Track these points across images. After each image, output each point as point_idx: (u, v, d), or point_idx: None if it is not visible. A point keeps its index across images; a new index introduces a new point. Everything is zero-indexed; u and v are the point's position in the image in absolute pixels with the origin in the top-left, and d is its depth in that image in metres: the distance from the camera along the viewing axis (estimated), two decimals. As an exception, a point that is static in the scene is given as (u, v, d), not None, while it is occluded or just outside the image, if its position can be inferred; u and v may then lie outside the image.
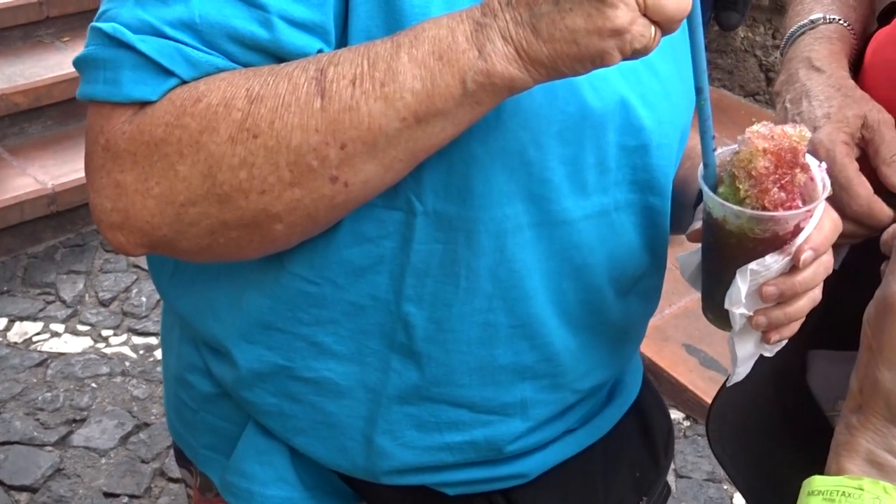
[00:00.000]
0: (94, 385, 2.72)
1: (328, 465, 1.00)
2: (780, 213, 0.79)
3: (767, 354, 0.91)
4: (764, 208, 0.79)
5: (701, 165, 0.83)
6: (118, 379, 2.75)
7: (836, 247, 1.06)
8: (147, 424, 2.60)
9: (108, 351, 2.85)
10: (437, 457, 0.98)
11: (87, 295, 3.07)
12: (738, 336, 0.90)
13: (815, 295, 0.87)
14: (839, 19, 1.14)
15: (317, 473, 1.03)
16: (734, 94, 4.21)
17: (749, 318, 0.86)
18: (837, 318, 1.11)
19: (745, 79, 4.18)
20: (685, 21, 0.76)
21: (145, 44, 0.75)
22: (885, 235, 0.94)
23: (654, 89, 0.92)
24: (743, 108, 4.07)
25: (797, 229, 0.82)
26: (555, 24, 0.70)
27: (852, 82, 1.06)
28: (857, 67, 1.12)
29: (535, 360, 0.94)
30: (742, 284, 0.83)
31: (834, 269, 0.91)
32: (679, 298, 2.77)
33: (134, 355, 2.84)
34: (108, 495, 2.39)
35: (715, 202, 0.82)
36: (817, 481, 0.74)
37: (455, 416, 0.95)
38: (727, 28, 3.98)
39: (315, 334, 0.91)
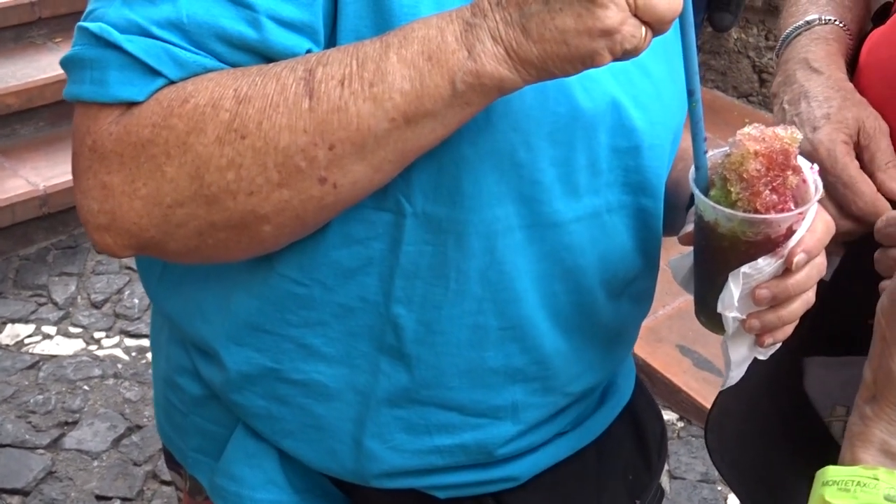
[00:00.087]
0: (86, 387, 2.71)
1: (317, 468, 1.00)
2: (772, 215, 0.79)
3: (761, 357, 0.91)
4: (756, 211, 0.79)
5: (692, 168, 0.83)
6: (110, 381, 2.74)
7: (828, 252, 1.06)
8: (139, 427, 2.59)
9: (100, 353, 2.84)
10: (427, 460, 0.97)
11: (79, 297, 3.06)
12: (732, 340, 0.89)
13: (809, 297, 0.87)
14: (835, 20, 1.13)
15: (306, 476, 1.02)
16: (727, 96, 4.21)
17: (742, 322, 0.86)
18: (832, 324, 1.11)
19: (739, 80, 4.18)
20: (677, 22, 0.76)
21: (132, 44, 0.74)
22: (879, 223, 0.93)
23: (646, 90, 0.91)
24: (736, 110, 4.08)
25: (790, 232, 0.81)
26: (545, 24, 0.69)
27: (851, 85, 1.06)
28: (852, 68, 1.12)
29: (525, 363, 0.94)
30: (735, 288, 0.83)
31: (824, 280, 0.91)
32: (673, 299, 2.77)
33: (126, 357, 2.83)
34: (100, 498, 2.38)
35: (706, 205, 0.81)
36: (831, 471, 0.74)
37: (445, 418, 0.95)
38: (720, 29, 3.99)
39: (304, 336, 0.91)
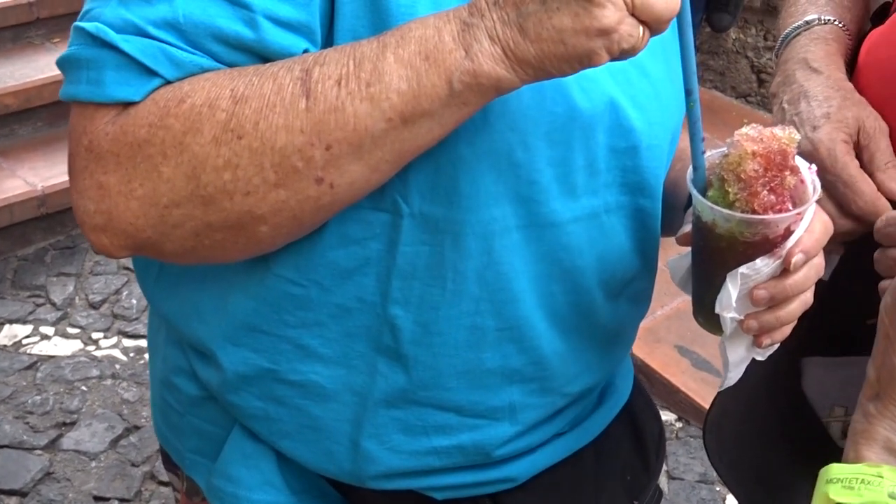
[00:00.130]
0: (84, 388, 2.71)
1: (314, 469, 0.99)
2: (770, 216, 0.79)
3: (759, 358, 0.91)
4: (754, 211, 0.79)
5: (690, 168, 0.83)
6: (108, 382, 2.73)
7: (825, 251, 1.06)
8: (137, 427, 2.58)
9: (98, 354, 2.84)
10: (425, 461, 0.97)
11: (77, 297, 3.05)
12: (730, 340, 0.89)
13: (807, 298, 0.87)
14: (834, 20, 1.13)
15: (304, 477, 1.02)
16: (726, 96, 4.21)
17: (740, 323, 0.86)
18: (832, 324, 1.11)
19: (737, 80, 4.18)
20: (675, 22, 0.75)
21: (129, 44, 0.74)
22: (879, 223, 0.93)
23: (644, 90, 0.91)
24: (735, 110, 4.08)
25: (787, 232, 0.81)
26: (542, 23, 0.69)
27: (850, 85, 1.06)
28: (851, 68, 1.12)
29: (523, 364, 0.94)
30: (732, 288, 0.83)
31: (823, 279, 0.90)
32: (671, 300, 2.77)
33: (124, 358, 2.82)
34: (98, 499, 2.38)
35: (704, 205, 0.81)
36: (835, 469, 0.74)
37: (442, 419, 0.95)
38: (719, 30, 3.99)
39: (301, 337, 0.90)
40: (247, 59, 0.76)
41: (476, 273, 0.87)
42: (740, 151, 0.78)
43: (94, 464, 2.47)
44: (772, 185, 0.78)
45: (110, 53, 0.75)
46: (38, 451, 2.49)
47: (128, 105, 0.76)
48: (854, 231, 1.02)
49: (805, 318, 0.89)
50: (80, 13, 0.79)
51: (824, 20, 1.14)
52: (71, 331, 2.92)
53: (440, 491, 1.01)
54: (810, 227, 0.82)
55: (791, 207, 0.80)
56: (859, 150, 1.01)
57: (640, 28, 0.71)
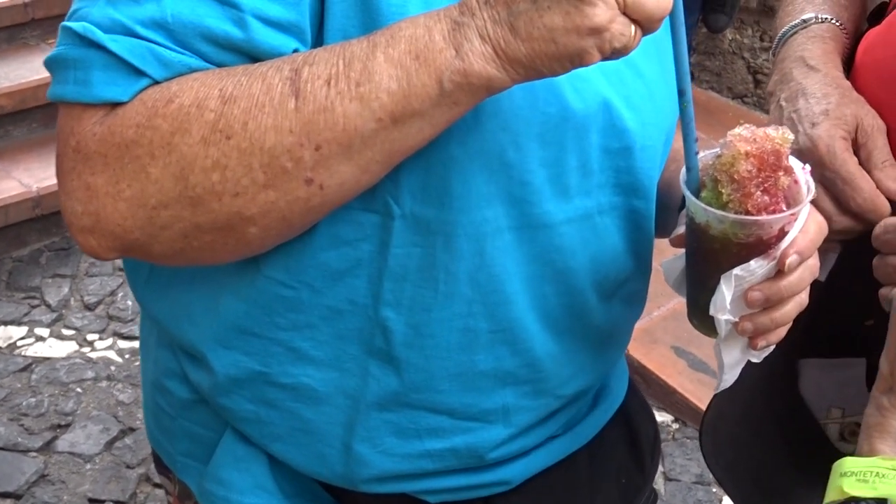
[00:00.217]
0: (79, 390, 2.70)
1: (306, 472, 0.99)
2: (764, 217, 0.78)
3: (755, 360, 0.90)
4: (747, 212, 0.78)
5: (683, 169, 0.82)
6: (103, 383, 2.73)
7: (822, 250, 1.05)
8: (132, 429, 2.57)
9: (93, 355, 2.83)
10: (418, 464, 0.96)
11: (72, 299, 3.04)
12: (725, 342, 0.88)
13: (802, 299, 0.86)
14: (831, 18, 1.13)
15: (296, 481, 1.01)
16: (722, 97, 4.21)
17: (735, 325, 0.85)
18: (830, 324, 1.11)
19: (733, 81, 4.18)
20: (668, 21, 0.75)
21: (116, 43, 0.73)
22: (878, 229, 0.93)
23: (637, 91, 0.90)
24: (731, 111, 4.08)
25: (782, 233, 0.80)
26: (533, 22, 0.69)
27: (848, 83, 1.06)
28: (848, 67, 1.11)
29: (516, 366, 0.93)
30: (727, 290, 0.82)
31: (820, 280, 0.90)
32: (667, 301, 2.76)
33: (119, 359, 2.82)
34: (93, 501, 2.37)
35: (697, 207, 0.80)
36: (849, 462, 0.73)
37: (435, 422, 0.94)
38: (715, 30, 3.99)
39: (292, 339, 0.90)
40: (236, 59, 0.76)
41: (468, 275, 0.86)
42: (733, 152, 0.78)
43: (88, 466, 2.46)
44: (765, 185, 0.78)
45: (98, 53, 0.74)
46: (33, 454, 2.48)
47: (116, 105, 0.75)
48: (852, 229, 1.02)
49: (802, 318, 0.89)
50: (68, 13, 0.78)
51: (821, 18, 1.14)
52: (66, 332, 2.91)
53: (433, 494, 1.00)
54: (805, 227, 0.81)
55: (785, 208, 0.79)
56: (857, 148, 1.01)
57: (632, 27, 0.70)
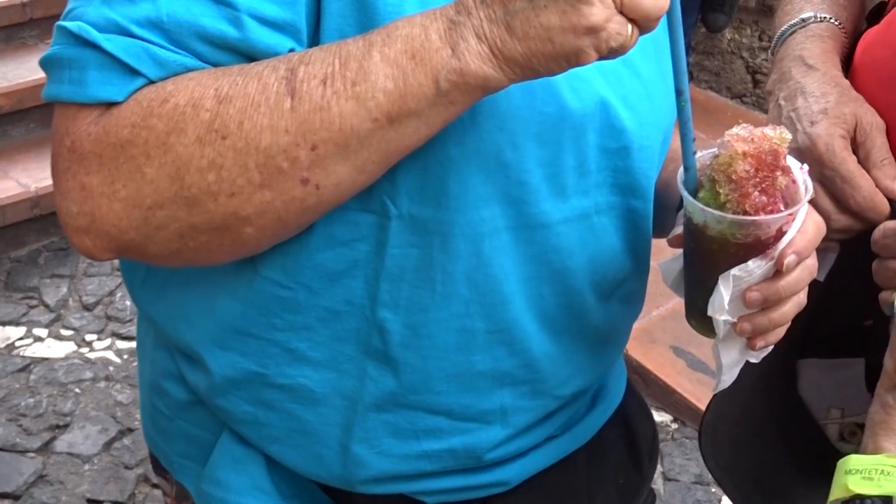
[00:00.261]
0: (77, 390, 2.69)
1: (304, 473, 0.98)
2: (762, 217, 0.78)
3: (753, 360, 0.90)
4: (745, 213, 0.78)
5: (681, 169, 0.82)
6: (102, 384, 2.72)
7: (821, 250, 1.05)
8: (131, 430, 2.57)
9: (91, 356, 2.82)
10: (416, 465, 0.96)
11: (70, 299, 3.04)
12: (723, 343, 0.88)
13: (800, 299, 0.86)
14: (830, 18, 1.13)
15: (294, 482, 1.01)
16: (721, 96, 4.21)
17: (733, 325, 0.85)
18: (826, 326, 1.11)
19: (732, 80, 4.18)
20: (666, 20, 0.75)
21: (111, 43, 0.73)
22: (876, 234, 0.93)
23: (635, 90, 0.90)
24: (730, 110, 4.07)
25: (780, 233, 0.80)
26: (529, 21, 0.68)
27: (846, 81, 1.06)
28: (846, 66, 1.11)
29: (514, 366, 0.93)
30: (725, 291, 0.82)
31: (819, 280, 0.90)
32: (666, 300, 2.76)
33: (118, 360, 2.81)
34: (91, 502, 2.37)
35: (695, 207, 0.80)
36: (854, 460, 0.73)
37: (433, 423, 0.94)
38: (714, 30, 3.99)
39: (289, 340, 0.89)
40: (232, 59, 0.75)
41: (465, 275, 0.86)
42: (731, 152, 0.77)
43: (87, 466, 2.46)
44: (763, 185, 0.77)
45: (93, 53, 0.74)
46: (31, 454, 2.48)
47: (111, 105, 0.75)
48: (851, 227, 1.01)
49: (801, 318, 0.88)
50: (63, 12, 0.78)
51: (820, 18, 1.13)
52: (64, 333, 2.91)
53: (431, 495, 1.00)
54: (803, 227, 0.81)
55: (783, 208, 0.79)
56: (856, 147, 1.01)
57: (629, 26, 0.70)
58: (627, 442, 1.14)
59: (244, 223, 0.75)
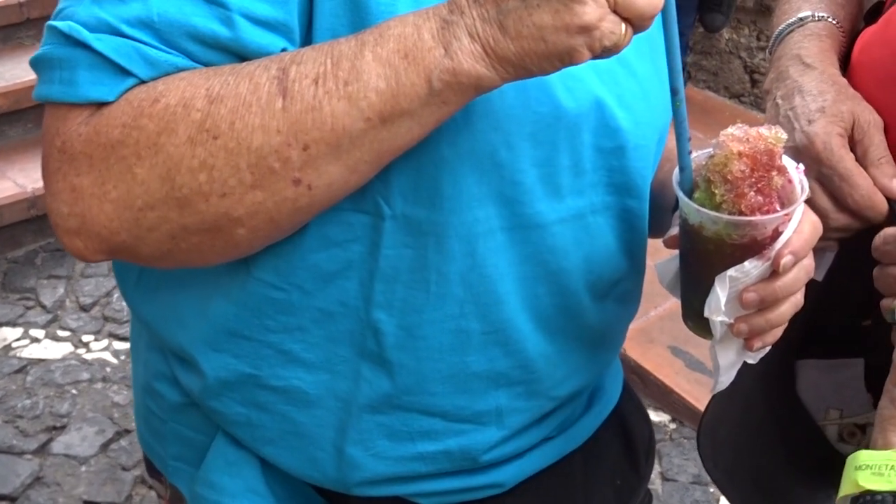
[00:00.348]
0: (74, 391, 2.69)
1: (298, 475, 0.98)
2: (758, 217, 0.77)
3: (751, 361, 0.89)
4: (741, 213, 0.77)
5: (676, 169, 0.81)
6: (99, 385, 2.72)
7: (820, 249, 1.05)
8: (128, 431, 2.56)
9: (88, 357, 2.82)
10: (411, 467, 0.95)
11: (67, 300, 3.03)
12: (720, 344, 0.87)
13: (797, 300, 0.85)
14: (828, 17, 1.13)
15: (288, 485, 1.01)
16: (719, 96, 4.21)
17: (730, 326, 0.84)
18: (824, 326, 1.10)
19: (730, 80, 4.17)
20: (660, 19, 0.74)
21: (101, 42, 0.72)
22: (877, 241, 0.92)
23: (631, 90, 0.90)
24: (728, 110, 4.07)
25: (776, 233, 0.79)
26: (522, 20, 0.68)
27: (844, 80, 1.05)
28: (844, 65, 1.11)
29: (509, 367, 0.92)
30: (721, 292, 0.81)
31: (817, 280, 0.89)
32: (664, 300, 2.75)
33: (115, 361, 2.81)
34: (88, 503, 2.36)
35: (691, 208, 0.79)
36: (864, 455, 0.73)
37: (428, 425, 0.93)
38: (712, 30, 3.98)
39: (283, 342, 0.89)
40: (223, 59, 0.75)
41: (460, 276, 0.85)
42: (726, 152, 0.77)
43: (84, 468, 2.45)
44: (759, 185, 0.77)
45: (83, 53, 0.73)
46: (28, 456, 2.47)
47: (101, 105, 0.74)
48: (850, 226, 1.01)
49: (799, 319, 0.88)
50: (54, 12, 0.77)
51: (818, 17, 1.13)
52: (61, 333, 2.90)
53: (427, 497, 1.00)
54: (799, 227, 0.81)
55: (779, 208, 0.78)
56: (853, 145, 1.01)
57: (623, 25, 0.69)
58: (624, 443, 1.14)
59: (236, 224, 0.74)
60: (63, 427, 2.56)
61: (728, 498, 1.43)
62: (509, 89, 0.77)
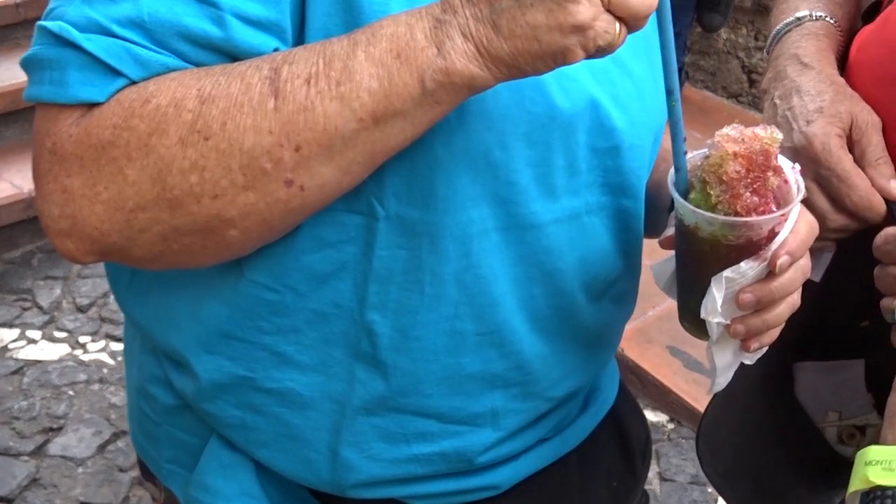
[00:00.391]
0: (71, 393, 2.68)
1: (293, 478, 0.97)
2: (754, 218, 0.77)
3: (747, 362, 0.89)
4: (737, 214, 0.77)
5: (672, 170, 0.81)
6: (96, 386, 2.71)
7: (818, 250, 1.04)
8: (125, 432, 2.55)
9: (85, 358, 2.81)
10: (406, 469, 0.95)
11: (64, 301, 3.03)
12: (717, 345, 0.87)
13: (794, 300, 0.85)
14: (826, 16, 1.13)
15: (283, 487, 1.00)
16: (717, 96, 4.20)
17: (726, 327, 0.84)
18: (822, 328, 1.10)
19: (728, 80, 4.17)
20: (655, 18, 0.74)
21: (92, 42, 0.72)
22: (878, 240, 0.92)
23: (626, 89, 0.89)
24: (726, 110, 4.07)
25: (772, 234, 0.79)
26: (515, 20, 0.67)
27: (842, 79, 1.05)
28: (842, 65, 1.11)
29: (505, 368, 0.92)
30: (717, 293, 0.80)
31: (815, 281, 0.89)
32: (662, 300, 2.75)
33: (112, 362, 2.80)
34: (84, 504, 2.36)
35: (686, 209, 0.79)
36: (874, 451, 0.73)
37: (423, 426, 0.93)
38: (709, 30, 3.98)
39: (277, 344, 0.88)
40: (215, 59, 0.74)
41: (454, 276, 0.85)
42: (721, 152, 0.76)
43: (81, 469, 2.45)
44: (754, 186, 0.76)
45: (73, 53, 0.72)
46: (25, 457, 2.46)
47: (92, 106, 0.73)
48: (848, 227, 1.01)
49: (797, 320, 0.88)
50: (45, 12, 0.77)
51: (815, 16, 1.13)
52: (58, 335, 2.89)
53: (422, 499, 0.99)
54: (795, 227, 0.80)
55: (775, 209, 0.78)
56: (851, 145, 1.01)
57: (617, 25, 0.68)
58: (620, 444, 1.14)
59: (228, 225, 0.74)
60: (60, 428, 2.55)
61: (727, 501, 1.43)
62: (503, 89, 0.76)
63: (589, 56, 0.70)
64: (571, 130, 0.84)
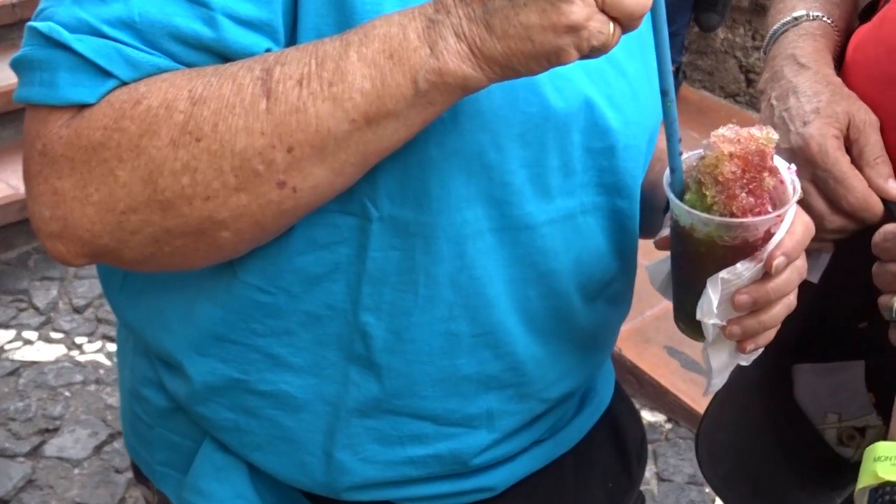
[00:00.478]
0: (67, 394, 2.68)
1: (287, 481, 0.97)
2: (749, 219, 0.76)
3: (744, 363, 0.89)
4: (732, 215, 0.76)
5: (667, 171, 0.80)
6: (92, 387, 2.70)
7: (815, 251, 1.04)
8: (121, 434, 2.54)
9: (81, 359, 2.81)
10: (401, 471, 0.95)
11: (60, 302, 3.02)
12: (712, 346, 0.87)
13: (790, 301, 0.85)
14: (822, 16, 1.12)
15: (277, 490, 1.00)
16: (714, 96, 4.20)
17: (722, 328, 0.83)
18: (820, 330, 1.09)
19: (726, 80, 4.17)
20: (650, 17, 0.73)
21: (82, 43, 0.71)
22: (877, 237, 0.92)
23: (621, 90, 0.89)
24: (723, 110, 4.07)
25: (768, 235, 0.79)
26: (509, 20, 0.67)
27: (839, 79, 1.05)
28: (839, 64, 1.10)
29: (499, 370, 0.91)
30: (713, 294, 0.80)
31: (812, 282, 0.88)
32: (659, 300, 2.73)
33: (108, 363, 2.79)
34: (80, 506, 2.35)
35: (682, 210, 0.78)
36: (882, 447, 0.73)
37: (418, 428, 0.92)
38: (707, 29, 3.98)
39: (270, 346, 0.88)
40: (206, 59, 0.73)
41: (449, 278, 0.84)
42: (717, 153, 0.76)
43: (77, 471, 2.44)
44: (750, 186, 0.76)
45: (64, 54, 0.72)
46: (21, 459, 2.46)
47: (82, 107, 0.73)
48: (845, 228, 1.01)
49: (795, 322, 0.87)
50: (35, 12, 0.76)
51: (812, 16, 1.13)
52: (54, 336, 2.89)
53: (417, 502, 0.99)
54: (791, 228, 0.80)
55: (771, 209, 0.77)
56: (849, 145, 1.00)
57: (611, 25, 0.68)
58: (616, 445, 1.13)
59: (220, 227, 0.73)
60: (56, 429, 2.55)
61: (727, 503, 1.42)
62: (497, 89, 0.76)
63: (583, 56, 0.69)
64: (566, 131, 0.84)
